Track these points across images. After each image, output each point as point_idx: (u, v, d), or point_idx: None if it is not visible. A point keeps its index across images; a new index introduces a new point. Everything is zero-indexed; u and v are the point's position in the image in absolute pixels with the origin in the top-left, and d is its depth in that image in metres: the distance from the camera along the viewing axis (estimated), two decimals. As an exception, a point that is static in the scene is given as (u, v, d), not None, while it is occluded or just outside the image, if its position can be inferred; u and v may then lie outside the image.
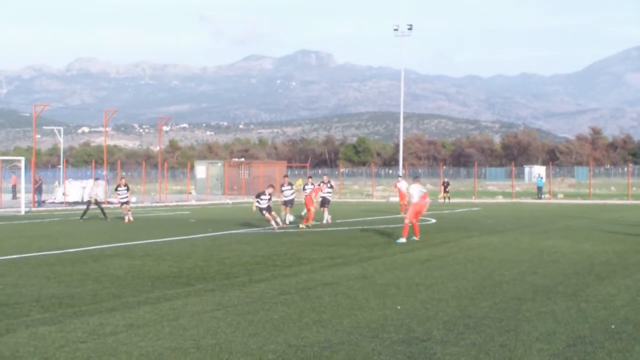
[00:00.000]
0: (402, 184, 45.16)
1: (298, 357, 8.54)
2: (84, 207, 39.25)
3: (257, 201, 29.85)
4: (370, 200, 70.15)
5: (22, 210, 45.54)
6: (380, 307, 11.85)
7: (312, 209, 32.33)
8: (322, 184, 34.20)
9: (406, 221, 24.02)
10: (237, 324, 10.44)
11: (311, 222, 31.88)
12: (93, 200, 38.47)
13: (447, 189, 64.87)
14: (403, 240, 23.20)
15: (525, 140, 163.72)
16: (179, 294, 13.22)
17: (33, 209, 49.73)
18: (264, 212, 29.55)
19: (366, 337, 9.58)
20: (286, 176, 36.80)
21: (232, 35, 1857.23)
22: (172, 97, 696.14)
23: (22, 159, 51.17)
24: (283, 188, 33.23)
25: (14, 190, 66.34)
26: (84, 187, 58.67)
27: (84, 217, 37.24)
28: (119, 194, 37.80)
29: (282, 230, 28.52)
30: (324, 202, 34.10)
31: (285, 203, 32.94)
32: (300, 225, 31.14)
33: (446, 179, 68.59)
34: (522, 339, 9.50)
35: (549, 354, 8.70)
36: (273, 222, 29.33)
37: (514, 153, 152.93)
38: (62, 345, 9.24)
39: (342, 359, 8.45)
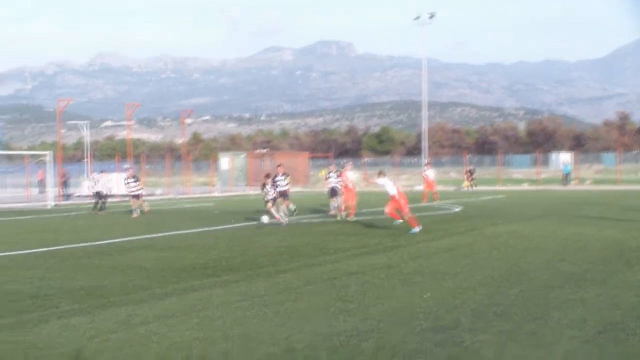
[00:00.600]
0: (430, 172, 45.35)
1: (326, 346, 8.56)
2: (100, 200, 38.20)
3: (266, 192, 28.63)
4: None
5: (49, 204, 45.91)
6: (407, 296, 11.85)
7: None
8: (343, 171, 32.30)
9: (406, 217, 23.86)
10: (264, 314, 10.49)
11: (343, 213, 30.67)
12: (103, 192, 38.49)
13: (472, 177, 64.70)
14: (417, 229, 22.82)
15: (550, 126, 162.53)
16: (205, 285, 13.29)
17: (60, 202, 50.09)
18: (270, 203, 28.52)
19: (394, 325, 9.59)
20: (280, 165, 35.15)
21: (251, 27, 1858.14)
22: (194, 90, 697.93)
23: (48, 153, 51.52)
24: (277, 179, 31.51)
25: (41, 184, 66.83)
26: (110, 180, 59.01)
27: (98, 209, 37.54)
28: (129, 186, 35.86)
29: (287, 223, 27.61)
30: (334, 192, 32.76)
31: (280, 195, 31.00)
32: (346, 217, 30.15)
33: (471, 166, 68.41)
34: (552, 326, 9.47)
35: (579, 341, 8.67)
36: (276, 214, 28.03)
37: (539, 140, 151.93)
38: (94, 335, 9.33)
39: (371, 347, 8.46)
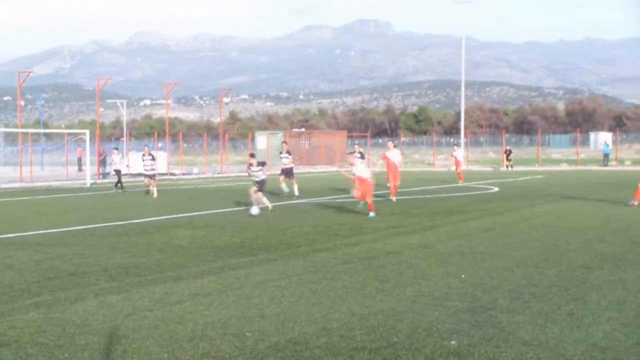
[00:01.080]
0: (458, 153, 45.02)
1: (362, 326, 8.54)
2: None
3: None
4: (431, 169, 69.81)
5: (88, 182, 46.34)
6: (444, 276, 11.79)
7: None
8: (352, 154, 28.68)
9: (368, 200, 22.44)
10: (301, 293, 10.49)
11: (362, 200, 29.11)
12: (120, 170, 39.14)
13: (509, 157, 64.28)
14: (373, 214, 21.71)
15: (590, 106, 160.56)
16: (242, 264, 13.33)
17: (98, 180, 50.54)
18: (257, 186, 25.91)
19: (430, 306, 9.55)
20: (285, 142, 34.23)
21: (290, 5, 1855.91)
22: (232, 69, 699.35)
23: (87, 132, 51.94)
24: (282, 156, 31.28)
25: (80, 162, 67.51)
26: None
27: (120, 187, 38.04)
28: (144, 165, 34.24)
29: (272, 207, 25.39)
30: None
31: (285, 173, 30.71)
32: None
33: (508, 147, 67.98)
34: (591, 307, 9.37)
35: (618, 323, 8.57)
36: (265, 200, 25.76)
37: (579, 120, 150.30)
38: (130, 313, 9.39)
39: (407, 327, 8.43)
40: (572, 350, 7.45)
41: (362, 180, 22.62)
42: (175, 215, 23.37)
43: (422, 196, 31.07)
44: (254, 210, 23.14)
